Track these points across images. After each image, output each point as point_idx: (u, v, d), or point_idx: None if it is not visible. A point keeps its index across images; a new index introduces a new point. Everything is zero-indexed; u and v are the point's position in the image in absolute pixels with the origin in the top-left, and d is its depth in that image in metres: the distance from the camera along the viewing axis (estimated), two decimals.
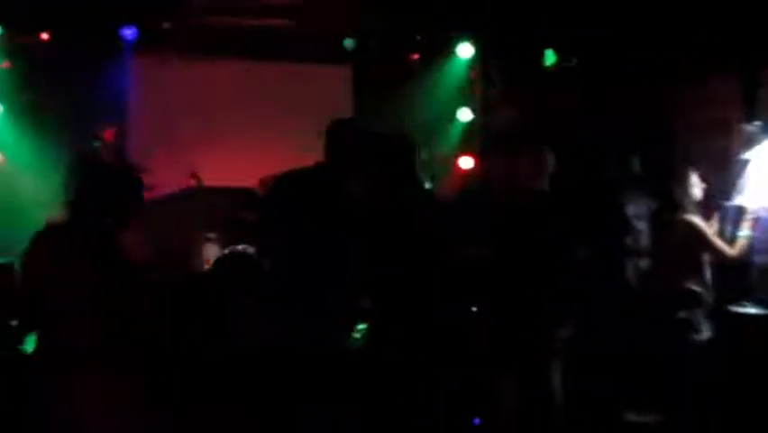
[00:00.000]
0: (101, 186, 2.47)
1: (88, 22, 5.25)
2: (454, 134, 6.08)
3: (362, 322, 3.06)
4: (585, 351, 3.31)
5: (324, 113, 5.80)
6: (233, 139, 5.87)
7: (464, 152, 5.97)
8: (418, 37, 5.92)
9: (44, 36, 5.37)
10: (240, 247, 5.20)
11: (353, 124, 2.98)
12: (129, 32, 5.54)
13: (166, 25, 5.56)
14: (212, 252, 4.63)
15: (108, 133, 4.82)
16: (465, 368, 3.00)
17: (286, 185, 2.97)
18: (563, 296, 3.14)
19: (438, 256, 2.85)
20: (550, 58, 5.56)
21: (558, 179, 3.28)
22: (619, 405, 3.79)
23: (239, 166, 5.61)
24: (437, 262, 2.84)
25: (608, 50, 5.27)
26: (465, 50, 5.87)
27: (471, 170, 5.94)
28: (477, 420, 3.41)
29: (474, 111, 6.00)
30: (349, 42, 5.84)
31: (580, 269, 3.19)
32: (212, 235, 4.73)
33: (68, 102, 5.29)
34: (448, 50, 5.92)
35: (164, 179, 5.17)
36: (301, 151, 5.65)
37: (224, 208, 5.34)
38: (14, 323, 3.61)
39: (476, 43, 5.84)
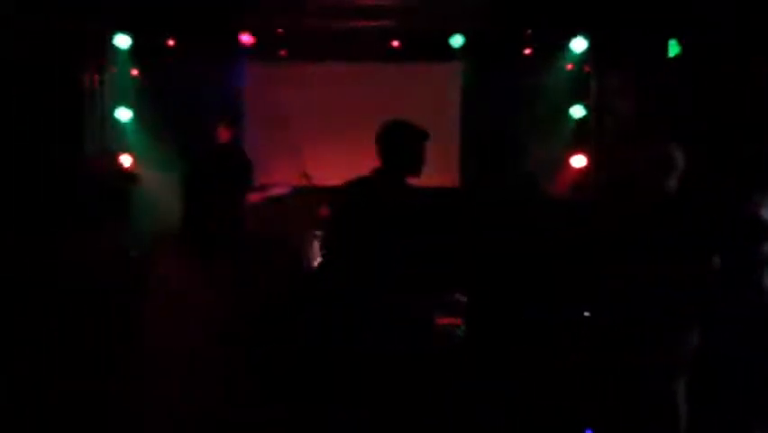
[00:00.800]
0: (209, 162, 2.47)
1: (209, 28, 5.55)
2: (566, 132, 5.86)
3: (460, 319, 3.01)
4: (713, 363, 3.06)
5: (432, 111, 5.83)
6: (342, 138, 5.99)
7: (577, 150, 5.74)
8: (529, 31, 5.75)
9: (170, 43, 5.74)
10: None
11: (406, 126, 2.99)
12: (246, 37, 5.80)
13: (280, 29, 5.77)
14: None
15: (226, 134, 5.06)
16: (574, 373, 2.87)
17: (351, 189, 3.00)
18: (689, 304, 2.92)
19: (541, 255, 2.75)
20: (674, 48, 5.20)
21: (690, 178, 3.04)
22: (750, 423, 3.48)
23: (347, 164, 5.70)
24: (541, 262, 2.74)
25: (738, 37, 4.85)
26: (579, 45, 5.64)
27: (584, 168, 5.70)
28: (589, 431, 3.25)
29: (588, 107, 5.75)
30: (456, 40, 5.78)
31: (710, 276, 2.95)
32: (321, 233, 4.85)
33: (190, 104, 5.62)
34: (561, 45, 5.71)
35: (277, 177, 5.39)
36: None
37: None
38: None
39: (590, 37, 5.59)
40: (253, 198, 5.00)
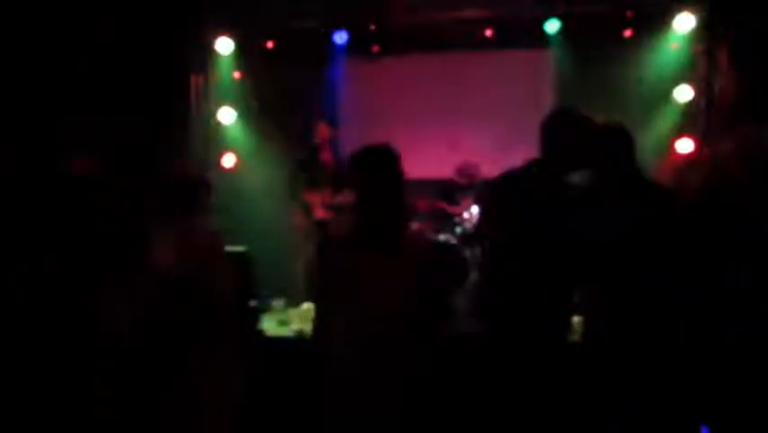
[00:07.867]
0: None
1: (304, 30, 5.73)
2: (671, 115, 5.56)
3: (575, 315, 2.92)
4: None
5: (525, 99, 5.72)
6: (436, 131, 6.03)
7: (683, 134, 5.44)
8: (629, 12, 5.50)
9: (269, 45, 5.98)
10: (442, 237, 5.32)
11: (571, 116, 2.68)
12: (340, 37, 5.94)
13: (372, 27, 5.86)
14: None
15: (324, 132, 5.20)
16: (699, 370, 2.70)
17: (505, 183, 2.87)
18: None
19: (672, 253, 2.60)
20: None
21: None
22: None
23: (443, 156, 5.77)
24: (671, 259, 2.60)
25: None
26: (684, 22, 5.33)
27: (691, 153, 5.39)
28: (705, 430, 3.04)
29: (695, 88, 5.42)
30: (551, 24, 5.64)
31: None
32: (414, 226, 4.90)
33: (289, 104, 5.83)
34: (665, 23, 5.42)
35: None
36: (503, 138, 5.67)
37: (426, 199, 5.51)
38: (253, 303, 4.08)
39: (698, 13, 5.27)
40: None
